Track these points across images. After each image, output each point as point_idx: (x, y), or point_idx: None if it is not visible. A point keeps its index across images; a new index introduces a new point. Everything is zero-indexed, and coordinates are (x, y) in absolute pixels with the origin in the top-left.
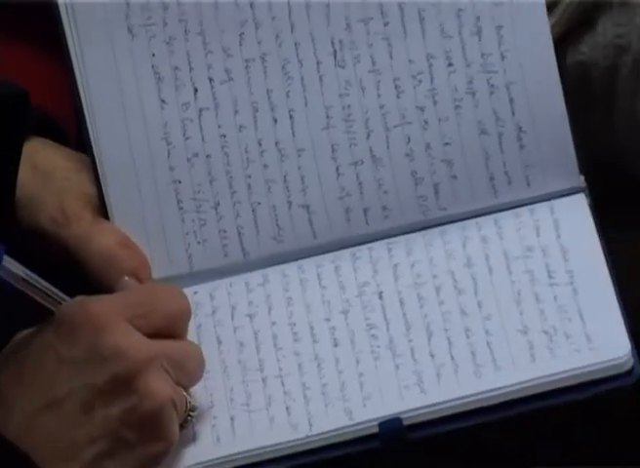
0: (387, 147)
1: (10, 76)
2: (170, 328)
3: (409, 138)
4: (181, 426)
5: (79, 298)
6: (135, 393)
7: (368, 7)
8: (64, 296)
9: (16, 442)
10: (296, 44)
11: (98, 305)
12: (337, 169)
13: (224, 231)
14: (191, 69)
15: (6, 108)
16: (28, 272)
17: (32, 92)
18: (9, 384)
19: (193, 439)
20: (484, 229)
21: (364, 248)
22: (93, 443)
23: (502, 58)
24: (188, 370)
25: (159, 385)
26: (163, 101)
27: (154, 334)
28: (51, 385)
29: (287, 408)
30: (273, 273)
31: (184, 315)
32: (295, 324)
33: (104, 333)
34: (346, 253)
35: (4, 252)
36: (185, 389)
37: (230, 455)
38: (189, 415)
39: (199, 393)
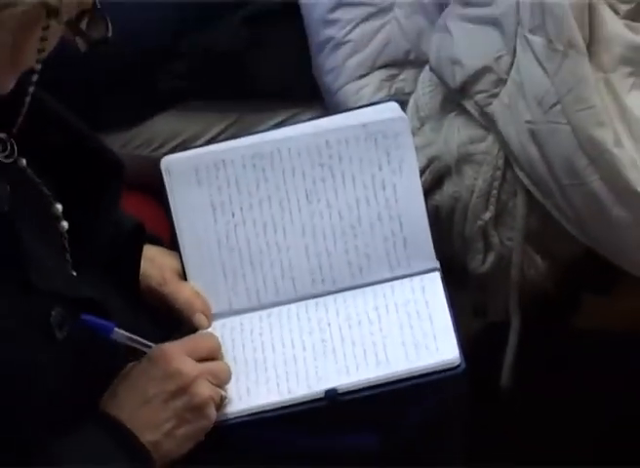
0: (313, 243)
1: (131, 212)
2: (209, 356)
3: (334, 239)
4: (217, 408)
5: (159, 344)
6: (190, 394)
7: (318, 171)
8: (151, 344)
9: (125, 422)
10: (286, 192)
11: (169, 347)
12: (307, 256)
13: (247, 293)
14: (231, 203)
15: (133, 231)
16: (130, 335)
17: (145, 221)
18: (122, 391)
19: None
20: (377, 296)
21: (311, 301)
22: (168, 421)
23: (394, 196)
24: (221, 378)
25: (203, 389)
26: (215, 221)
27: (201, 360)
28: (145, 391)
29: (277, 384)
30: (274, 312)
31: (216, 349)
32: (276, 337)
33: (172, 362)
34: (302, 303)
35: (115, 326)
36: (220, 387)
37: (244, 409)
38: (222, 401)
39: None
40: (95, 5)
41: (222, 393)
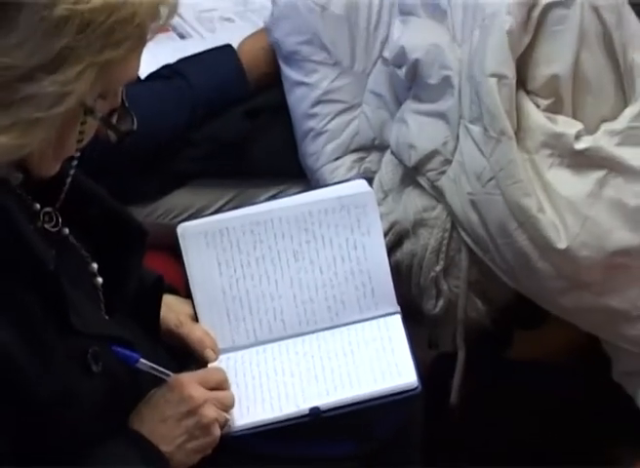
0: (300, 291)
1: (154, 268)
2: (217, 386)
3: (316, 289)
4: (222, 428)
5: (176, 374)
6: (199, 415)
7: (303, 235)
8: (170, 373)
9: (147, 435)
10: (277, 252)
11: (184, 376)
12: (294, 303)
13: (247, 332)
14: (233, 261)
15: (155, 283)
16: (152, 365)
17: (165, 274)
18: (145, 411)
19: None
20: (350, 334)
21: (298, 339)
22: (180, 436)
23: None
24: (226, 405)
25: (210, 412)
26: (221, 275)
27: (210, 389)
28: (163, 411)
29: (271, 404)
30: (268, 347)
31: (224, 381)
32: (270, 367)
33: (186, 389)
34: (291, 340)
35: (140, 357)
36: (225, 412)
37: (245, 424)
38: (225, 423)
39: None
40: (123, 104)
41: (227, 416)
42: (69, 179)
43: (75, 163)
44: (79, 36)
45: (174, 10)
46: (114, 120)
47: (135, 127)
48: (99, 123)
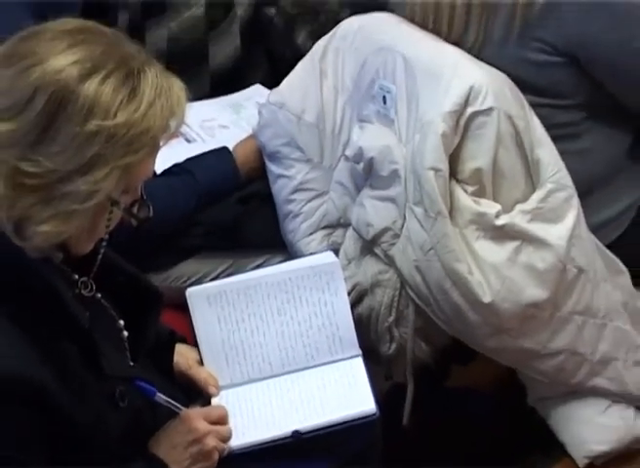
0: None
1: (168, 322)
2: (219, 421)
3: (295, 339)
4: (220, 456)
5: (186, 409)
6: (202, 444)
7: (284, 296)
8: (182, 407)
9: (162, 458)
10: (265, 309)
11: (192, 411)
12: (278, 350)
13: (241, 373)
14: (230, 317)
15: (169, 336)
16: (167, 399)
17: (177, 327)
18: (161, 438)
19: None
20: (323, 373)
21: (282, 377)
22: (187, 460)
23: (333, 310)
24: (224, 437)
25: (211, 442)
26: (220, 329)
27: (213, 423)
28: (174, 439)
29: (261, 429)
30: (259, 384)
31: (224, 416)
32: (260, 400)
33: (193, 422)
34: (276, 378)
35: (157, 391)
36: (224, 443)
37: (241, 444)
38: (223, 452)
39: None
40: (142, 196)
41: (225, 447)
42: (100, 256)
43: (105, 243)
44: (106, 145)
45: (181, 123)
46: (135, 210)
47: (151, 214)
48: (122, 212)
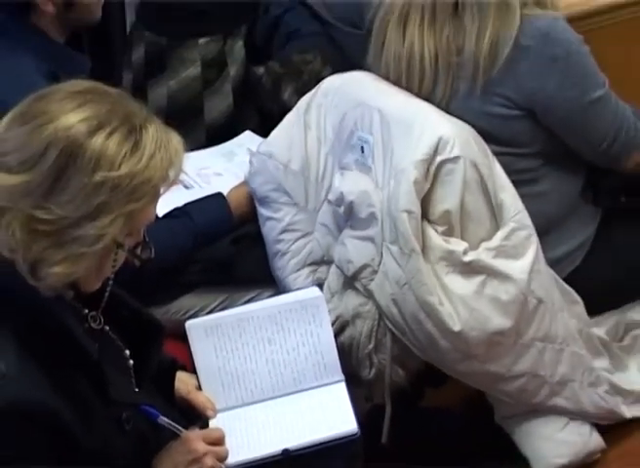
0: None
1: (170, 351)
2: (216, 442)
3: (284, 365)
4: None
5: (186, 431)
6: (200, 463)
7: (274, 327)
8: (182, 429)
9: None
10: (257, 340)
11: (191, 433)
12: (269, 376)
13: (236, 397)
14: (225, 346)
15: (170, 364)
16: (169, 421)
17: (177, 355)
18: (164, 457)
19: None
20: (310, 396)
21: (272, 401)
22: None
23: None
24: (221, 457)
25: (208, 462)
26: (217, 357)
27: (211, 444)
28: (175, 458)
29: (254, 447)
30: (252, 407)
31: (221, 438)
32: (253, 421)
33: (192, 443)
34: (267, 402)
35: (160, 415)
36: (221, 462)
37: (236, 462)
38: None
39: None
40: (145, 239)
41: (222, 466)
42: (107, 293)
43: (111, 282)
44: (111, 194)
45: (179, 173)
46: (139, 251)
47: (153, 255)
48: (127, 254)
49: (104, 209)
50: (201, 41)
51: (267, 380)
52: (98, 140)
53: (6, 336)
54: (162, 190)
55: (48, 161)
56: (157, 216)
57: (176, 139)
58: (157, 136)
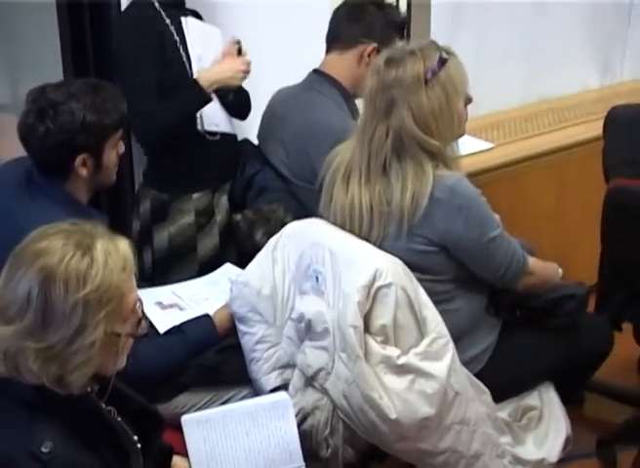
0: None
1: (169, 439)
2: None
3: (258, 454)
4: None
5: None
6: None
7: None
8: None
9: None
10: (237, 432)
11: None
12: (247, 462)
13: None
14: (212, 437)
15: (167, 450)
16: None
17: (174, 442)
18: None
19: None
20: None
21: None
22: None
23: (285, 432)
24: None
25: None
26: (205, 444)
27: None
28: None
29: None
30: None
31: None
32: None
33: None
34: None
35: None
36: None
37: None
38: None
39: None
40: (143, 314)
41: None
42: (111, 387)
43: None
44: (85, 310)
45: (133, 268)
46: (140, 328)
47: (146, 329)
48: (127, 337)
49: (85, 321)
50: (195, 195)
51: (244, 465)
52: (61, 269)
53: (54, 423)
54: (131, 284)
55: (32, 301)
56: (159, 333)
57: (123, 244)
58: (105, 246)
